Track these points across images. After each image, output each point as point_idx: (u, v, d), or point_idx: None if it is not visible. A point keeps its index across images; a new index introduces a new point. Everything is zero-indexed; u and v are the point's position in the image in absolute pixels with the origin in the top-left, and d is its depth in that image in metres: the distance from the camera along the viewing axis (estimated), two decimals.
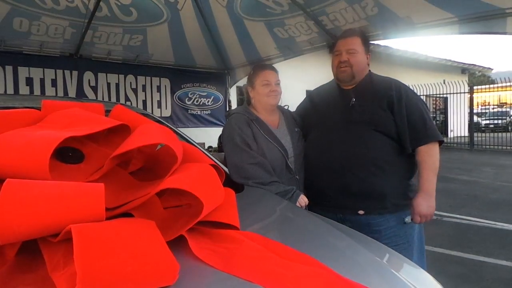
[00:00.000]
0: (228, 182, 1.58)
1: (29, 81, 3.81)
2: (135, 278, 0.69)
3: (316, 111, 1.94)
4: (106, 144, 1.12)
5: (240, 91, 9.01)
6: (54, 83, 3.97)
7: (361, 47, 1.81)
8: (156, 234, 0.80)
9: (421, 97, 2.01)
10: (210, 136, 5.74)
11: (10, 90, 3.67)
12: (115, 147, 1.03)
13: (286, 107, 2.06)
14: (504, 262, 3.14)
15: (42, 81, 3.89)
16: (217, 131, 4.93)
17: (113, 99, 4.42)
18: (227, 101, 5.46)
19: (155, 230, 0.81)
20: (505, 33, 2.47)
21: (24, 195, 0.73)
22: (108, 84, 4.41)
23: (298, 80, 9.06)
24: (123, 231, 0.76)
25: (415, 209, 1.66)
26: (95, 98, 4.23)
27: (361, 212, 1.70)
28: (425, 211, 1.65)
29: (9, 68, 3.68)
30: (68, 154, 1.01)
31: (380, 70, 2.02)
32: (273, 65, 2.13)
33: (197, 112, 5.25)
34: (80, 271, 0.63)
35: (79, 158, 1.02)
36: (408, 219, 1.70)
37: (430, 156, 1.70)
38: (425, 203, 1.66)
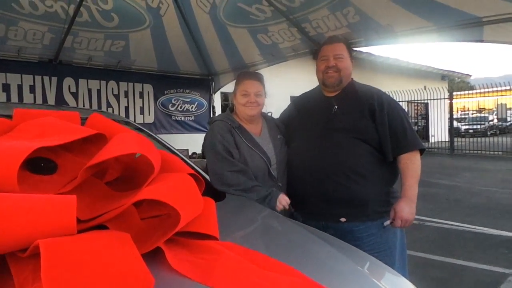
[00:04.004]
0: (210, 190, 1.56)
1: (6, 88, 3.70)
2: None
3: (300, 118, 1.94)
4: (81, 154, 1.09)
5: (224, 97, 8.99)
6: (32, 89, 3.87)
7: (347, 53, 1.84)
8: (130, 247, 0.77)
9: (403, 103, 2.03)
10: (194, 142, 5.67)
11: None
12: (91, 157, 1.00)
13: (269, 114, 2.04)
14: (484, 266, 3.20)
15: (19, 87, 3.78)
16: (202, 137, 4.85)
17: (95, 105, 4.33)
18: (211, 107, 5.43)
19: (129, 243, 0.78)
20: (482, 41, 2.54)
21: None
22: (89, 90, 4.31)
23: (282, 86, 9.08)
24: (94, 245, 0.73)
25: (397, 213, 1.66)
26: (75, 105, 4.13)
27: (343, 219, 1.70)
28: (406, 216, 1.65)
29: None
30: (40, 164, 0.97)
31: (363, 77, 2.04)
32: (258, 71, 2.08)
33: (180, 118, 5.21)
34: None
35: (51, 169, 0.99)
36: (386, 223, 1.71)
37: (412, 163, 1.72)
38: (408, 208, 1.66)
